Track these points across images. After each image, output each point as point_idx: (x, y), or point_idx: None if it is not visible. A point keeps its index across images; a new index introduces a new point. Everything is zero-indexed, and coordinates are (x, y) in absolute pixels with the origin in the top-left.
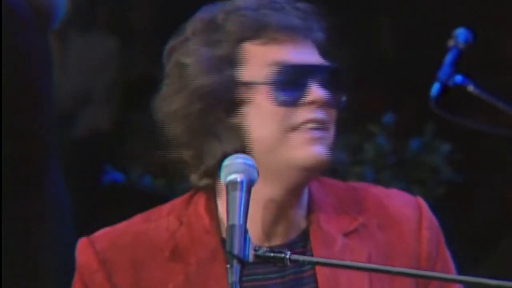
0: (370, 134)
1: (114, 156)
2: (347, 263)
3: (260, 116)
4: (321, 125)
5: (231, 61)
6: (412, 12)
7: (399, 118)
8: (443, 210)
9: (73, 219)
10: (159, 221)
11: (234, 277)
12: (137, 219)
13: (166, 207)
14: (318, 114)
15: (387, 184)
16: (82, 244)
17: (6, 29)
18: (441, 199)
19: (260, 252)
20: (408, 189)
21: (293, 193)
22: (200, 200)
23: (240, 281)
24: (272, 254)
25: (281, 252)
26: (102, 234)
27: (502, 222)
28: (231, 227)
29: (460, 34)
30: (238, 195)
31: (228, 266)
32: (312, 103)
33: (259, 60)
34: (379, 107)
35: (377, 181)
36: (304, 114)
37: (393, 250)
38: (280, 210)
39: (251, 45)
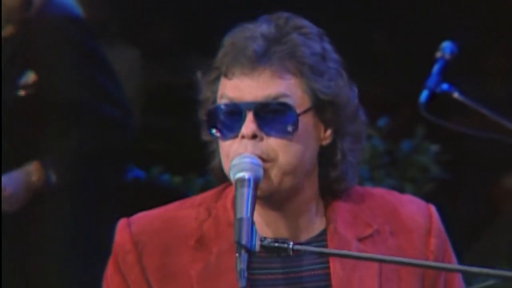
0: (366, 136)
1: (136, 156)
2: (346, 253)
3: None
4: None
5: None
6: (402, 26)
7: (392, 122)
8: (431, 205)
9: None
10: (190, 210)
11: (242, 264)
12: (172, 206)
13: (199, 197)
14: (247, 148)
15: (380, 181)
16: (121, 224)
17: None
18: (429, 195)
19: (265, 242)
20: (400, 185)
21: (274, 211)
22: (229, 195)
23: (248, 268)
24: (276, 244)
25: (284, 243)
26: (139, 217)
27: (485, 216)
28: (239, 220)
29: (446, 46)
30: (246, 191)
31: (237, 255)
32: (243, 137)
33: (220, 92)
34: (374, 112)
35: (372, 179)
36: (238, 148)
37: (403, 255)
38: (276, 215)
39: (222, 77)
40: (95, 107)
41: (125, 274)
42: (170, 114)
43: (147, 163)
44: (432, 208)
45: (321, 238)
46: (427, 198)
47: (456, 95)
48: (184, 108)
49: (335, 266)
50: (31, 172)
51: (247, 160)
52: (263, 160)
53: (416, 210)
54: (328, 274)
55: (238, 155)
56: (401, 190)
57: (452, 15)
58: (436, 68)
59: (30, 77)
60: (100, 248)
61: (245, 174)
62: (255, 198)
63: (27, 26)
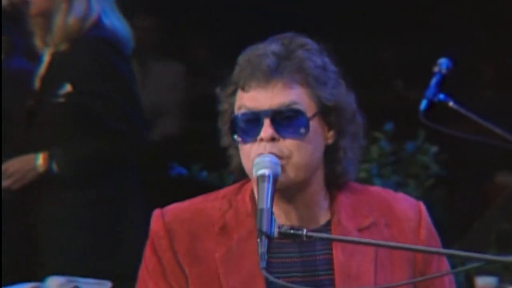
0: (375, 139)
1: (180, 155)
2: (350, 238)
3: (240, 149)
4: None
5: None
6: (408, 46)
7: (397, 126)
8: (431, 198)
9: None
10: (215, 202)
11: (262, 248)
12: (199, 198)
13: (222, 191)
14: (266, 149)
15: (387, 177)
16: (156, 214)
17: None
18: (429, 189)
19: (282, 229)
20: (404, 181)
21: (287, 201)
22: (248, 189)
23: (267, 252)
24: (292, 231)
25: (298, 230)
26: (171, 208)
27: (477, 207)
28: (260, 210)
29: (443, 62)
30: (266, 186)
31: (258, 240)
32: (261, 140)
33: (238, 104)
34: (382, 118)
35: (380, 175)
36: (258, 149)
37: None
38: (288, 207)
39: (240, 90)
40: (104, 120)
41: (160, 257)
42: (208, 120)
43: (188, 161)
44: (421, 205)
45: (326, 228)
46: (427, 191)
47: (451, 104)
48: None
49: (337, 252)
50: (38, 158)
51: (267, 159)
52: (280, 157)
53: (408, 206)
54: (331, 259)
55: (259, 155)
56: (405, 185)
57: (450, 34)
58: (433, 80)
59: (67, 88)
60: (113, 244)
61: (266, 171)
62: (274, 191)
63: (73, 44)
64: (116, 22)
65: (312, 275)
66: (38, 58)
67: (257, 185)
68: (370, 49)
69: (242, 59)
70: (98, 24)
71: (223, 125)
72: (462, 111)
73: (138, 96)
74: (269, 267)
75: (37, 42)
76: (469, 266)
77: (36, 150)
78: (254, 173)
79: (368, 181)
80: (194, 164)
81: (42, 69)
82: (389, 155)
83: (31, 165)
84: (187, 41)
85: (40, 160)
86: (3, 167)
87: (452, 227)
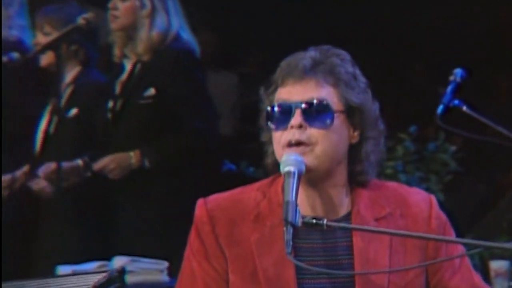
0: (401, 140)
1: (230, 154)
2: (366, 227)
3: (273, 136)
4: (297, 143)
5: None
6: (427, 63)
7: (420, 128)
8: (450, 191)
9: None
10: (251, 193)
11: (288, 236)
12: (237, 190)
13: (257, 184)
14: (295, 135)
15: (411, 173)
16: (200, 203)
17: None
18: (448, 184)
19: (306, 219)
20: (426, 177)
21: (313, 188)
22: (280, 182)
23: (293, 238)
24: (314, 221)
25: (320, 219)
26: (213, 197)
27: (489, 199)
28: (286, 202)
29: (458, 72)
30: (291, 181)
31: (284, 228)
32: (291, 127)
33: (276, 98)
34: (408, 122)
35: (405, 172)
36: (287, 136)
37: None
38: (314, 199)
39: (278, 88)
40: (188, 120)
41: (203, 239)
42: (256, 123)
43: (238, 158)
44: (433, 198)
45: (347, 218)
46: (446, 185)
47: (464, 108)
48: None
49: (356, 239)
50: (132, 156)
51: (293, 157)
52: (306, 144)
53: (421, 199)
54: (351, 246)
55: (285, 154)
56: (427, 181)
57: (467, 48)
58: (449, 88)
59: (151, 91)
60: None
61: (291, 168)
62: (299, 186)
63: (157, 55)
64: (190, 37)
65: (334, 259)
66: (115, 67)
67: (284, 180)
68: (400, 66)
69: (283, 63)
70: (178, 38)
71: (263, 122)
72: (474, 115)
73: (212, 98)
74: (296, 251)
75: (116, 52)
76: (473, 251)
77: (123, 145)
78: (281, 170)
79: (394, 177)
80: (242, 161)
81: (124, 76)
82: (413, 154)
83: (127, 162)
84: (239, 55)
85: (133, 158)
86: (105, 161)
87: (468, 217)
